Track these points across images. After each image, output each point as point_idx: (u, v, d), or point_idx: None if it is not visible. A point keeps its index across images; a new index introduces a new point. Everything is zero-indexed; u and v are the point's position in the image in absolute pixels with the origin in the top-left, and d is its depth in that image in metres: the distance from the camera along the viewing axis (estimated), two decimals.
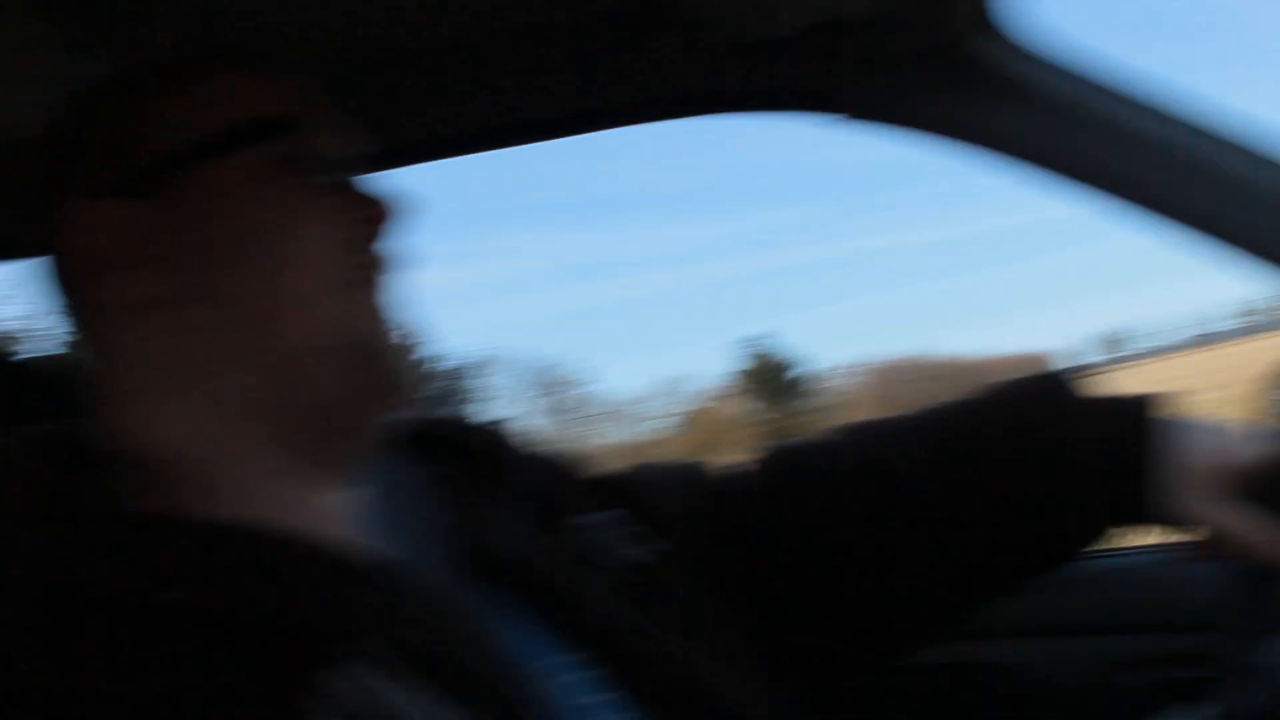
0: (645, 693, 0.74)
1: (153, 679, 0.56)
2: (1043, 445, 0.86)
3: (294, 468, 0.72)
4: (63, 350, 0.79)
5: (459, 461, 0.90)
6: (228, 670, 0.58)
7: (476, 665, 0.65)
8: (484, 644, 0.67)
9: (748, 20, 0.96)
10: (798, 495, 0.93)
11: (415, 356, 0.76)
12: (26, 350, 0.91)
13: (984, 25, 0.96)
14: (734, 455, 1.09)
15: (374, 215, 0.75)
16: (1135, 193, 0.96)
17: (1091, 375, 0.91)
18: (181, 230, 0.71)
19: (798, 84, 1.03)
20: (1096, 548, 0.89)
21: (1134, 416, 0.85)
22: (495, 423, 1.00)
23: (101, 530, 0.62)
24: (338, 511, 0.74)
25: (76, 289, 0.74)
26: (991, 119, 0.99)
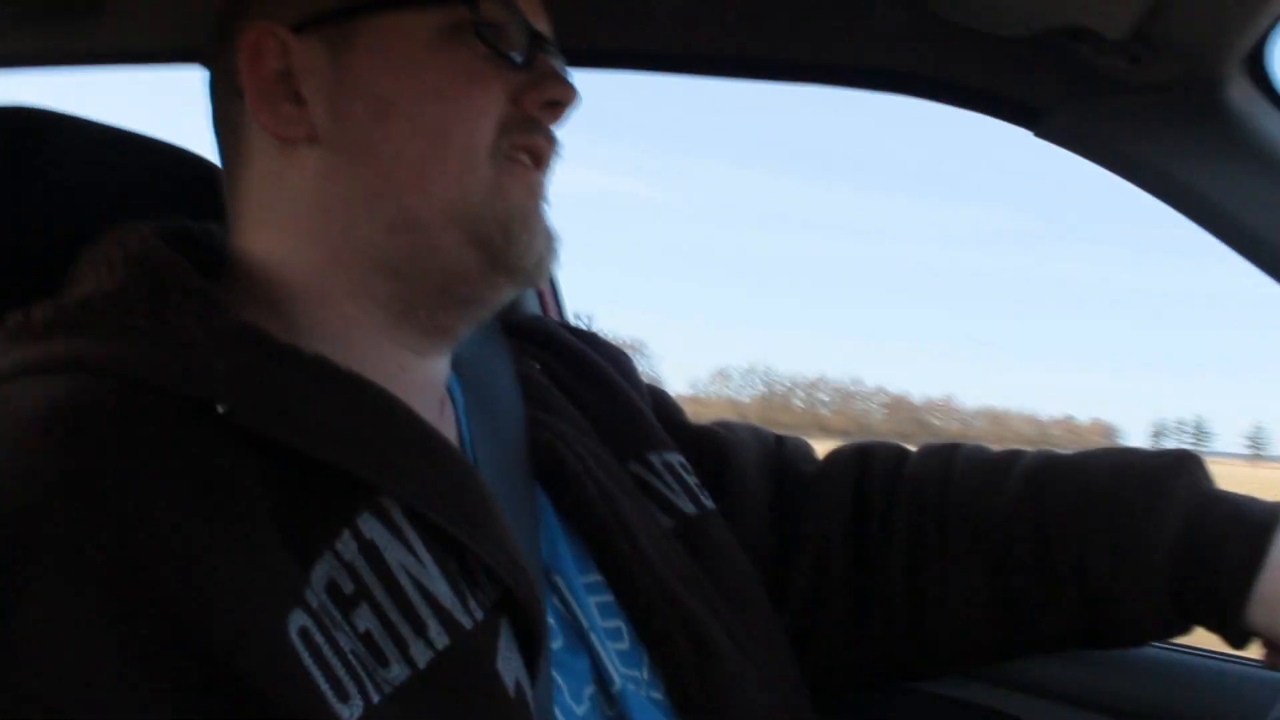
0: (651, 631, 0.76)
1: (196, 477, 0.56)
2: (1153, 520, 0.81)
3: (397, 328, 0.73)
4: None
5: (554, 361, 0.92)
6: (263, 490, 0.58)
7: (486, 552, 0.64)
8: (502, 535, 0.66)
9: (981, 11, 0.87)
10: (873, 497, 0.92)
11: (551, 247, 0.75)
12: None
13: (1244, 69, 0.86)
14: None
15: (546, 99, 0.74)
16: None
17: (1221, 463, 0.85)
18: (348, 75, 0.70)
19: (1017, 87, 0.96)
20: (1163, 637, 0.86)
21: (1258, 520, 0.79)
22: (589, 333, 0.99)
23: (194, 327, 0.62)
24: (422, 378, 0.75)
25: (235, 107, 0.73)
26: (1220, 171, 0.90)
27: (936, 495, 0.90)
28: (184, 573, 0.53)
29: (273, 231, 0.72)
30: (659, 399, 0.99)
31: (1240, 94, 0.87)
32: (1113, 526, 0.82)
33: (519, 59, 0.73)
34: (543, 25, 0.78)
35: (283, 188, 0.72)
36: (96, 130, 0.85)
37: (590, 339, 0.98)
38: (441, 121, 0.70)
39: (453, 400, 0.81)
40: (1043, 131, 0.96)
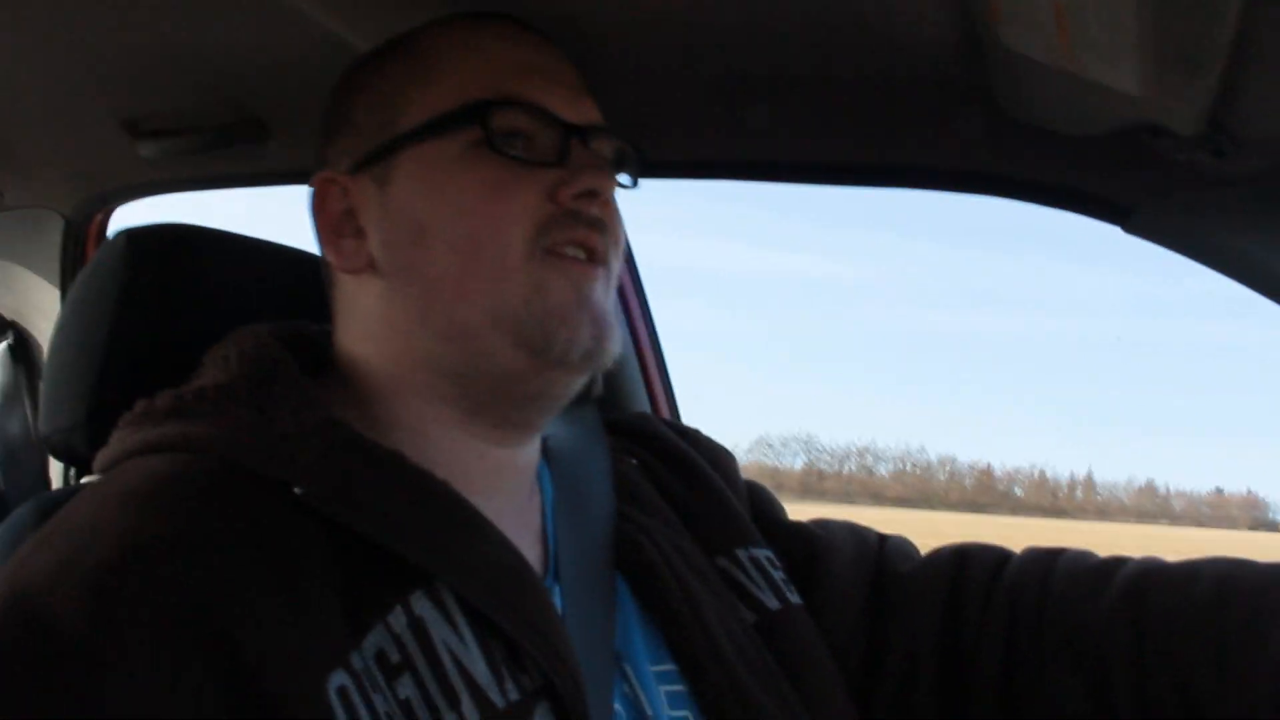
0: None
1: (268, 548, 0.64)
2: (1258, 642, 0.76)
3: (470, 424, 0.78)
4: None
5: (653, 457, 0.95)
6: (329, 564, 0.65)
7: (527, 640, 0.68)
8: (547, 626, 0.70)
9: (1059, 111, 0.88)
10: (969, 602, 0.89)
11: (601, 336, 0.77)
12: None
13: None
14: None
15: (580, 190, 0.77)
16: None
17: None
18: (392, 206, 0.78)
19: (1103, 185, 0.95)
20: None
21: None
22: (692, 431, 1.02)
23: (289, 419, 0.71)
24: (504, 465, 0.80)
25: (318, 243, 0.83)
26: None
27: (1034, 603, 0.87)
28: (246, 630, 0.59)
29: (356, 340, 0.81)
30: (756, 496, 1.01)
31: None
32: (1217, 646, 0.78)
33: (549, 158, 0.78)
34: (579, 113, 0.81)
35: (357, 307, 0.81)
36: (237, 242, 0.96)
37: (692, 437, 1.01)
38: (472, 236, 0.76)
39: (542, 491, 0.86)
40: (1134, 227, 0.95)
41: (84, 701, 0.55)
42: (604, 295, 0.79)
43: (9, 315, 1.93)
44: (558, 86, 0.81)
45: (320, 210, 0.81)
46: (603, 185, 0.78)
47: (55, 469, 1.87)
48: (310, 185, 0.81)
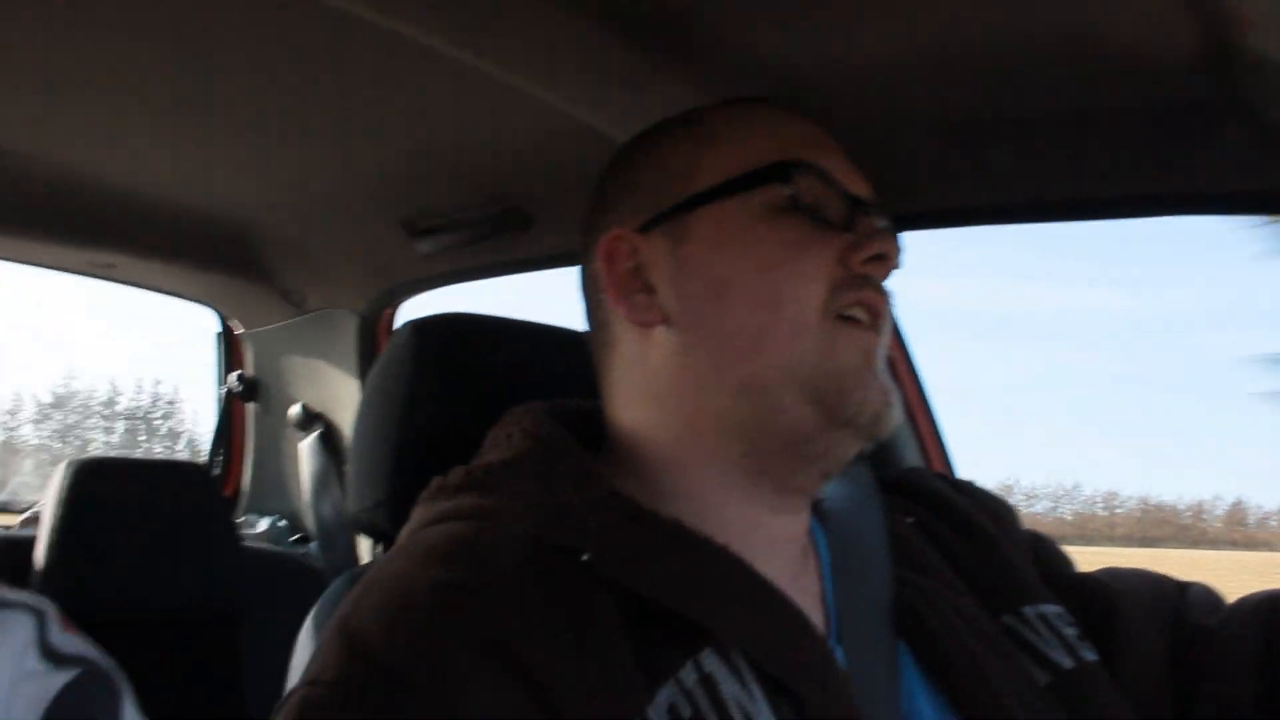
0: None
1: (564, 603, 0.66)
2: None
3: (751, 487, 0.78)
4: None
5: (929, 515, 0.92)
6: (619, 624, 0.67)
7: (814, 699, 0.67)
8: (836, 687, 0.69)
9: None
10: None
11: (888, 401, 0.77)
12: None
13: None
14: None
15: (870, 255, 0.77)
16: None
17: None
18: (688, 262, 0.79)
19: None
20: None
21: None
22: (968, 484, 0.98)
23: (573, 493, 0.73)
24: (780, 533, 0.80)
25: (598, 302, 0.85)
26: None
27: None
28: (548, 676, 0.62)
29: (638, 405, 0.82)
30: (1041, 548, 0.95)
31: None
32: None
33: (840, 223, 0.78)
34: (860, 189, 0.82)
35: (643, 366, 0.81)
36: (509, 326, 1.03)
37: (969, 490, 0.97)
38: (773, 292, 0.76)
39: (818, 554, 0.85)
40: None
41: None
42: (884, 361, 0.79)
43: (318, 409, 2.13)
44: (837, 157, 0.83)
45: (610, 267, 0.82)
46: (891, 251, 0.79)
47: (364, 547, 2.04)
48: (598, 242, 0.83)
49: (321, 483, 2.08)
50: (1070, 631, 0.85)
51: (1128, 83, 0.87)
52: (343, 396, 2.07)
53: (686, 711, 0.65)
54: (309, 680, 0.63)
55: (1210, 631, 0.87)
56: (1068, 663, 0.82)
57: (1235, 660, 0.84)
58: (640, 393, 0.82)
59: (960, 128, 1.00)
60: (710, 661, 0.67)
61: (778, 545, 0.80)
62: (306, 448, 2.12)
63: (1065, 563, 0.95)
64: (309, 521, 2.12)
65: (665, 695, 0.66)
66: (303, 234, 1.75)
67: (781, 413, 0.76)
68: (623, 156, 0.89)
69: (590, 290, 0.87)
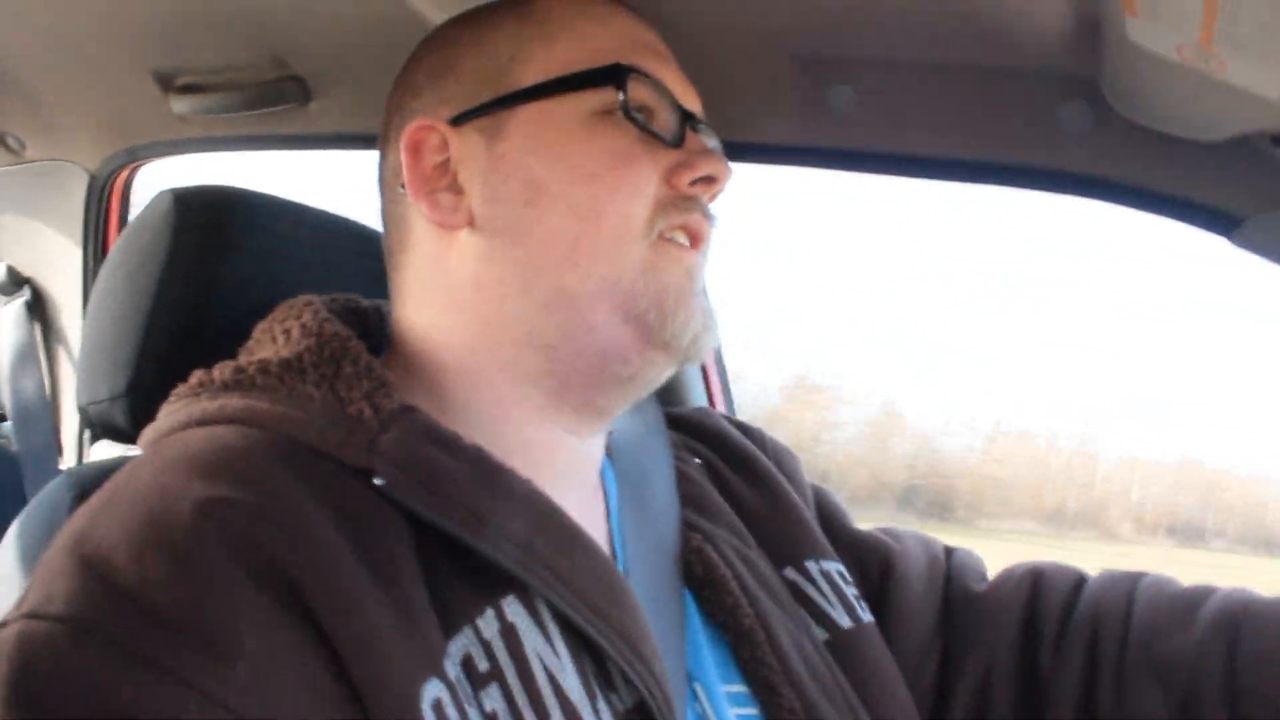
0: None
1: (355, 524, 0.59)
2: None
3: (549, 407, 0.73)
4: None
5: (716, 457, 0.90)
6: (414, 555, 0.60)
7: (624, 659, 0.63)
8: (643, 645, 0.65)
9: (1178, 113, 0.83)
10: (1046, 624, 0.86)
11: (708, 326, 0.75)
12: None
13: None
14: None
15: (698, 175, 0.74)
16: None
17: None
18: (503, 162, 0.73)
19: (1212, 194, 0.90)
20: None
21: None
22: (756, 429, 0.97)
23: (363, 405, 0.65)
24: (575, 460, 0.76)
25: (396, 196, 0.77)
26: None
27: (1117, 630, 0.84)
28: (339, 619, 0.54)
29: (433, 310, 0.75)
30: (823, 501, 0.96)
31: None
32: None
33: (670, 138, 0.74)
34: (693, 105, 0.79)
35: (442, 270, 0.74)
36: (288, 209, 0.91)
37: (756, 436, 0.97)
38: (593, 203, 0.71)
39: (605, 491, 0.81)
40: (1242, 240, 0.90)
41: (182, 666, 0.50)
42: (704, 283, 0.76)
43: (27, 272, 1.88)
44: (674, 69, 0.79)
45: (414, 159, 0.74)
46: (722, 174, 0.75)
47: (68, 430, 1.83)
48: (403, 132, 0.75)
49: (23, 356, 1.84)
50: (850, 590, 0.85)
51: (992, 45, 0.87)
52: (59, 262, 1.83)
53: (483, 665, 0.59)
54: (30, 611, 0.52)
55: (978, 596, 0.90)
56: (846, 622, 0.83)
57: (999, 623, 0.87)
58: (437, 298, 0.74)
59: (808, 62, 0.96)
60: (514, 609, 0.62)
61: (574, 471, 0.76)
62: (9, 314, 1.87)
63: (845, 516, 0.96)
64: (4, 397, 1.88)
65: (460, 645, 0.59)
66: (30, 71, 1.51)
67: (592, 330, 0.71)
68: (440, 37, 0.80)
69: (388, 182, 0.79)
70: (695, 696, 0.72)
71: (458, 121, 0.75)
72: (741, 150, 1.08)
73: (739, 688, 0.74)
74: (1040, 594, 0.88)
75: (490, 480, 0.65)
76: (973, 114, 0.97)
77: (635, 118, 0.73)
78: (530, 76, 0.74)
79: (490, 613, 0.61)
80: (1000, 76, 0.91)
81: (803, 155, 1.11)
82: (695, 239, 0.75)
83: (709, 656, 0.75)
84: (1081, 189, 0.97)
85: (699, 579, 0.78)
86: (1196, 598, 0.84)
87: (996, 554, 1.00)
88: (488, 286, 0.73)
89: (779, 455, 0.95)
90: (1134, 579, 0.88)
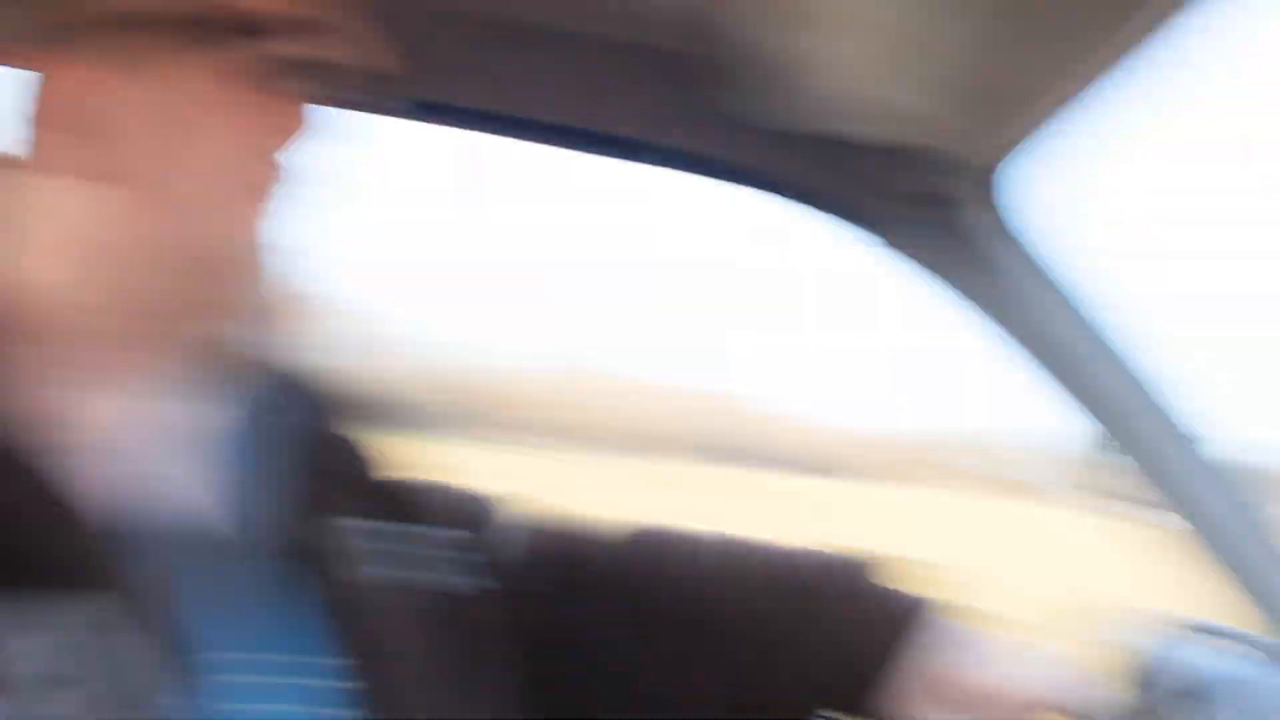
0: None
1: None
2: (816, 621, 0.87)
3: (103, 358, 0.70)
4: None
5: (312, 421, 0.84)
6: None
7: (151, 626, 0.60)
8: (167, 613, 0.61)
9: (786, 105, 0.94)
10: (565, 587, 0.92)
11: (277, 285, 0.73)
12: None
13: (980, 195, 0.98)
14: None
15: (283, 127, 0.73)
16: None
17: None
18: (92, 102, 0.69)
19: (810, 179, 1.03)
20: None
21: (904, 615, 0.86)
22: (363, 399, 0.94)
23: None
24: (127, 418, 0.70)
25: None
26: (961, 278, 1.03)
27: None
28: None
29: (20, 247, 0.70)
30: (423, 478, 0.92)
31: (976, 217, 1.00)
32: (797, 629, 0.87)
33: (258, 86, 0.71)
34: (290, 49, 0.74)
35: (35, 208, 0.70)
36: None
37: (357, 405, 0.89)
38: (168, 151, 0.69)
39: (214, 456, 0.75)
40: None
41: None
42: (280, 250, 0.74)
43: None
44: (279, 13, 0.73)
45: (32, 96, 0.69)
46: (300, 123, 0.74)
47: None
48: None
49: None
50: (450, 554, 0.84)
51: (625, 19, 0.92)
52: None
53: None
54: None
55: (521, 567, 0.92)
56: (450, 587, 0.81)
57: (544, 596, 0.91)
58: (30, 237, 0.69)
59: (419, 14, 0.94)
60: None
61: (157, 439, 0.71)
62: None
63: (464, 488, 0.95)
64: None
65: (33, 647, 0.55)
66: None
67: (164, 287, 0.70)
68: None
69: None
70: (270, 668, 0.68)
71: (60, 52, 0.69)
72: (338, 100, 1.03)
73: (324, 659, 0.70)
74: (578, 562, 0.94)
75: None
76: (606, 85, 1.00)
77: (228, 64, 0.70)
78: (118, 4, 0.69)
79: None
80: (636, 51, 0.96)
81: (410, 111, 1.04)
82: (274, 192, 0.73)
83: (285, 625, 0.71)
84: (713, 172, 1.06)
85: (307, 553, 0.74)
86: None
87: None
88: (65, 231, 0.69)
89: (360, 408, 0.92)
90: None
